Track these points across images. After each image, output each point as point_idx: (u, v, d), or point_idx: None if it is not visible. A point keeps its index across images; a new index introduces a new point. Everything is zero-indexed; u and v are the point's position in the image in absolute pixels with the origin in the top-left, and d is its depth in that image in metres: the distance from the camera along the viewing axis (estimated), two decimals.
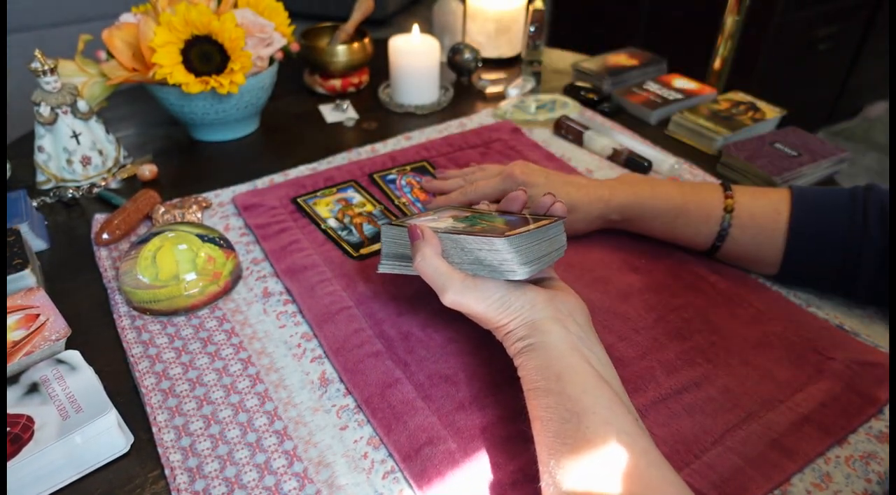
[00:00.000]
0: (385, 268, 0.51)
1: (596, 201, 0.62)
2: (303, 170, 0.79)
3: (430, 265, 0.45)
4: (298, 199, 0.72)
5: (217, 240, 0.59)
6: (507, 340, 0.45)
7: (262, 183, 0.76)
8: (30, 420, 0.43)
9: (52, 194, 0.73)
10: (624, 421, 0.38)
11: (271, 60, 0.83)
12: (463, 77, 1.03)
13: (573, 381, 0.40)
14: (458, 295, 0.44)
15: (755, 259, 0.59)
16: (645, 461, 0.36)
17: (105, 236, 0.65)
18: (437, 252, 0.46)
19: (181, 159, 0.83)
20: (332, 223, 0.69)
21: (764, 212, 0.57)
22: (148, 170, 0.77)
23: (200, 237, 0.58)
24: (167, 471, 0.44)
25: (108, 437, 0.44)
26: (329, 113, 0.94)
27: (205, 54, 0.75)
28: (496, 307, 0.44)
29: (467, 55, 0.99)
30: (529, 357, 0.43)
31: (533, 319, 0.44)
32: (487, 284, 0.44)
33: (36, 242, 0.65)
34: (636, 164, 0.79)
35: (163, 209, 0.69)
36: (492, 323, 0.45)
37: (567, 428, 0.38)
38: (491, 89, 1.00)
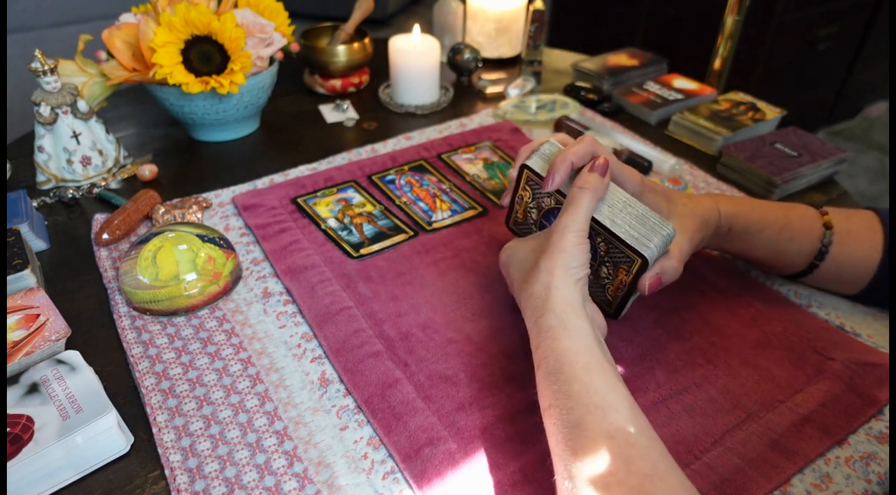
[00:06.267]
0: (534, 162, 0.51)
1: (712, 211, 0.54)
2: (303, 170, 0.79)
3: (582, 198, 0.46)
4: (298, 199, 0.72)
5: (217, 240, 0.59)
6: (547, 304, 0.44)
7: (262, 183, 0.76)
8: (30, 420, 0.43)
9: (52, 194, 0.73)
10: (644, 424, 0.38)
11: (271, 60, 0.83)
12: (463, 77, 1.03)
13: (600, 375, 0.40)
14: (577, 227, 0.45)
15: (849, 278, 0.56)
16: (664, 465, 0.36)
17: (105, 236, 0.65)
18: (601, 194, 0.47)
19: (181, 159, 0.83)
20: (332, 223, 0.69)
21: (859, 229, 0.55)
22: (148, 170, 0.77)
23: (200, 237, 0.58)
24: (167, 472, 0.44)
25: (108, 438, 0.44)
26: (329, 113, 0.94)
27: (205, 54, 0.75)
28: (580, 253, 0.45)
29: (467, 55, 0.99)
30: (560, 335, 0.42)
31: (572, 300, 0.44)
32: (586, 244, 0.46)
33: (36, 242, 0.65)
34: (636, 165, 0.79)
35: (163, 209, 0.69)
36: (559, 261, 0.45)
37: (590, 420, 0.37)
38: (491, 89, 1.00)
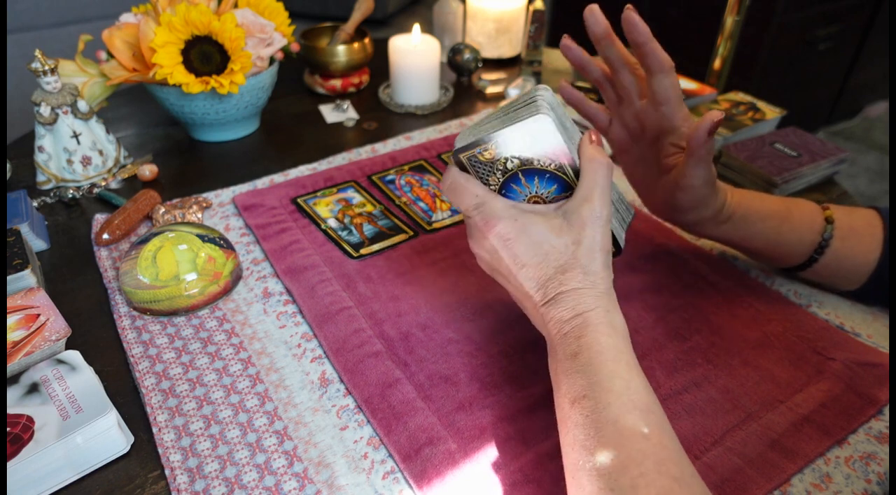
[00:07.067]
0: (553, 114, 0.43)
1: (723, 187, 0.54)
2: (303, 171, 0.79)
3: (605, 175, 0.43)
4: (298, 199, 0.72)
5: (217, 240, 0.59)
6: (581, 293, 0.42)
7: (262, 183, 0.76)
8: (30, 420, 0.43)
9: (52, 194, 0.73)
10: (671, 429, 0.38)
11: (271, 60, 0.83)
12: (463, 77, 1.03)
13: (640, 376, 0.39)
14: (608, 216, 0.43)
15: (848, 273, 0.56)
16: (689, 471, 0.35)
17: (105, 236, 0.65)
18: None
19: (181, 159, 0.83)
20: (333, 223, 0.69)
21: (860, 224, 0.55)
22: (148, 170, 0.77)
23: (201, 237, 0.58)
24: (167, 471, 0.44)
25: (108, 437, 0.44)
26: (329, 113, 0.94)
27: (205, 54, 0.75)
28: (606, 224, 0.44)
29: (467, 55, 0.99)
30: (608, 332, 0.40)
31: (615, 299, 0.43)
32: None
33: (36, 242, 0.65)
34: None
35: (163, 209, 0.69)
36: (602, 258, 0.43)
37: (628, 418, 0.36)
38: (491, 89, 1.00)
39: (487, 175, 0.47)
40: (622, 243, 0.48)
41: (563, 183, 0.46)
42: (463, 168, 0.48)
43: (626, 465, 0.35)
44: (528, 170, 0.45)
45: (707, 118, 0.47)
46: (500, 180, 0.47)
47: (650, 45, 0.51)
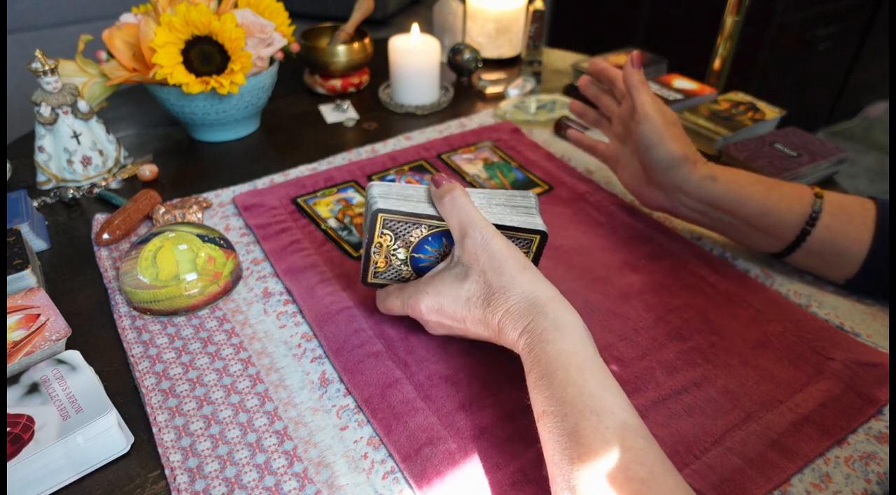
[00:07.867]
0: (385, 203, 0.47)
1: (689, 142, 0.60)
2: (303, 171, 0.79)
3: (463, 204, 0.46)
4: (298, 199, 0.72)
5: (217, 240, 0.59)
6: (535, 308, 0.43)
7: (262, 183, 0.76)
8: (30, 420, 0.43)
9: (52, 194, 0.74)
10: (639, 423, 0.37)
11: (271, 60, 0.83)
12: (463, 77, 1.03)
13: (593, 376, 0.39)
14: (490, 233, 0.45)
15: (840, 256, 0.56)
16: (660, 468, 0.35)
17: (105, 236, 0.65)
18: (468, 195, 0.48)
19: (181, 159, 0.83)
20: (333, 223, 0.69)
21: (851, 204, 0.55)
22: (148, 171, 0.77)
23: (201, 237, 0.58)
24: (167, 471, 0.44)
25: (109, 437, 0.44)
26: (329, 113, 0.94)
27: (205, 54, 0.75)
28: (516, 249, 0.45)
29: (467, 55, 0.99)
30: (553, 337, 0.41)
31: (552, 294, 0.43)
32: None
33: (36, 242, 0.65)
34: None
35: (163, 209, 0.69)
36: (512, 267, 0.44)
37: (586, 426, 0.36)
38: (491, 89, 1.00)
39: (399, 274, 0.53)
40: (540, 227, 0.49)
41: (445, 232, 0.50)
42: (383, 285, 0.55)
43: (594, 477, 0.35)
44: (415, 246, 0.50)
45: (629, 56, 0.62)
46: (409, 268, 0.52)
47: (610, 71, 0.67)
